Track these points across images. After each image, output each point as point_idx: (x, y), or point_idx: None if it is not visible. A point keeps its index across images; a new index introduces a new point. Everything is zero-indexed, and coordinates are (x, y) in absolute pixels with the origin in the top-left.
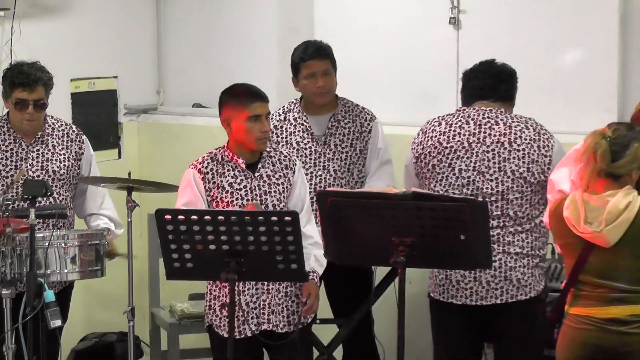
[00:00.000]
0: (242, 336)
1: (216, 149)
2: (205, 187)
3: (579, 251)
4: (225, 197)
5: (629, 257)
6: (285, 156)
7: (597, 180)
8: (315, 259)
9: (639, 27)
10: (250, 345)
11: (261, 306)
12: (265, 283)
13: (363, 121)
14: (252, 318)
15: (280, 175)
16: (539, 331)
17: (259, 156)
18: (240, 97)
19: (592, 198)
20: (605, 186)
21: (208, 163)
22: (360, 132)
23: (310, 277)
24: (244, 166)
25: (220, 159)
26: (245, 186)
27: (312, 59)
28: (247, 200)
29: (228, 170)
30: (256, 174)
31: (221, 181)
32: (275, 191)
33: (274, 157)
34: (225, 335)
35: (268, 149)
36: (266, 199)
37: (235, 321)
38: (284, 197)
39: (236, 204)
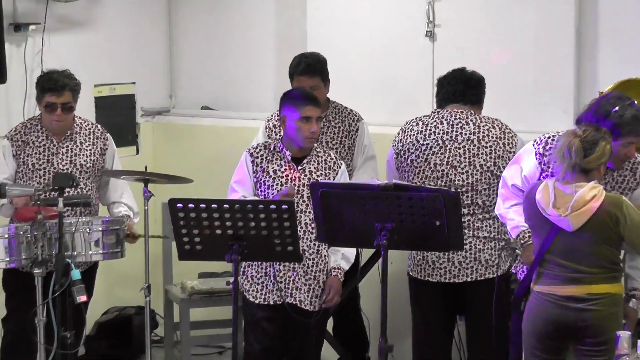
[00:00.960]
0: (266, 303)
1: (273, 141)
2: (253, 169)
3: (546, 233)
4: (268, 181)
5: (589, 243)
6: (332, 159)
7: (570, 174)
8: (343, 256)
9: (591, 40)
10: (275, 313)
11: (286, 281)
12: (293, 263)
13: (351, 121)
14: (277, 290)
15: (321, 174)
16: (504, 305)
17: (308, 153)
18: (296, 100)
19: (563, 187)
20: (575, 179)
21: (260, 149)
22: (349, 131)
23: (334, 274)
24: (289, 158)
25: (272, 149)
26: (287, 175)
27: (302, 75)
28: (286, 185)
29: (276, 159)
30: (299, 167)
31: (267, 167)
32: None
33: (321, 157)
34: (251, 299)
35: (318, 149)
36: (302, 190)
37: (264, 289)
38: None
39: (275, 189)
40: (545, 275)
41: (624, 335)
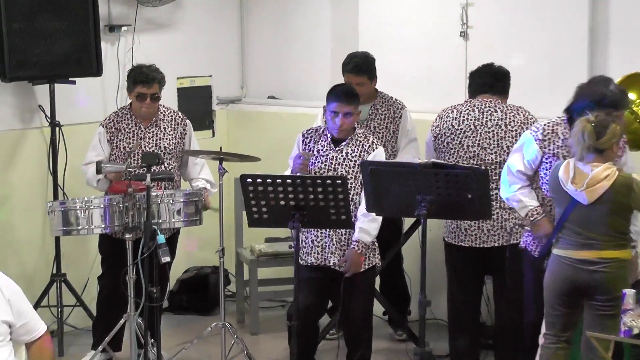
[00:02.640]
0: (306, 264)
1: (324, 125)
2: (302, 147)
3: (565, 204)
4: (312, 159)
5: (601, 214)
6: (370, 141)
7: (587, 155)
8: (363, 230)
9: (603, 38)
10: (315, 273)
11: (322, 246)
12: (328, 231)
13: (395, 109)
14: (315, 253)
15: (356, 155)
16: (518, 268)
17: (348, 136)
18: (330, 96)
19: (582, 165)
20: (593, 159)
21: (311, 132)
22: (393, 117)
23: (353, 246)
24: (330, 140)
25: (321, 132)
26: (327, 154)
27: (350, 73)
28: (325, 162)
29: (322, 140)
30: (337, 148)
31: (313, 147)
32: (346, 165)
33: (359, 141)
34: (301, 262)
35: (359, 133)
36: (338, 168)
37: (312, 250)
38: (353, 172)
39: (316, 165)
40: (562, 241)
41: (629, 292)
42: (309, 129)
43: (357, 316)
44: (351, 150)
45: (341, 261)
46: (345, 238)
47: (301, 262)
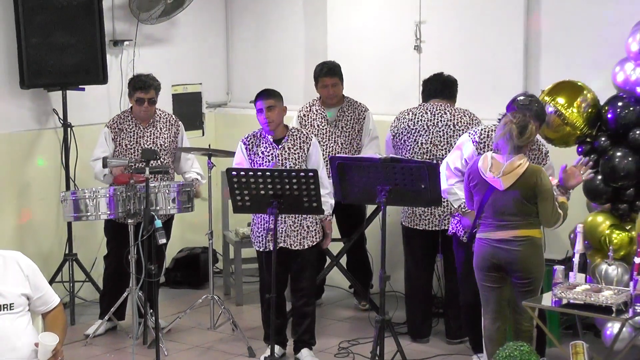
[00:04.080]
0: (268, 249)
1: (259, 130)
2: (249, 154)
3: (484, 191)
4: (258, 160)
5: (514, 199)
6: (304, 134)
7: (505, 148)
8: (330, 205)
9: (536, 51)
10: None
11: (279, 231)
12: (285, 216)
13: (360, 111)
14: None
15: (297, 148)
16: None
17: (285, 134)
18: (255, 100)
19: (498, 157)
20: (509, 152)
21: (250, 137)
22: (358, 118)
23: (327, 219)
24: (271, 140)
25: (259, 136)
26: (271, 153)
27: (325, 77)
28: (271, 161)
29: (264, 142)
30: (280, 146)
31: (257, 149)
32: (292, 158)
33: (295, 135)
34: (256, 248)
35: (292, 130)
36: (285, 163)
37: (264, 239)
38: (299, 162)
39: (265, 165)
40: (482, 225)
41: (559, 268)
42: (247, 136)
43: (305, 287)
44: (291, 144)
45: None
46: (299, 219)
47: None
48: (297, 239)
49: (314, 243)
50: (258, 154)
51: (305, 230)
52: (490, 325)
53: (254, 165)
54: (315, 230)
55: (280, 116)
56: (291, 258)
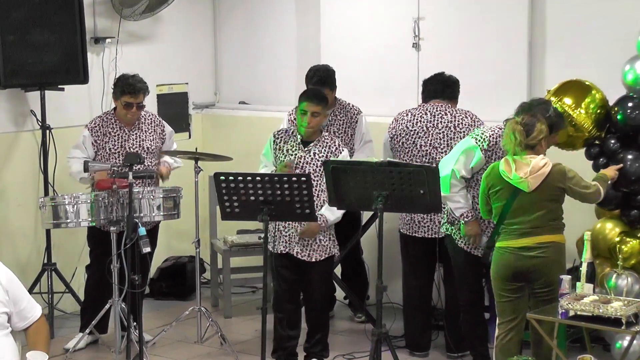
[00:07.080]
0: (276, 251)
1: (294, 127)
2: (273, 147)
3: (507, 196)
4: (282, 156)
5: (542, 200)
6: (336, 144)
7: (520, 151)
8: (328, 208)
9: (540, 49)
10: (283, 260)
11: (289, 236)
12: (294, 224)
13: (352, 114)
14: (283, 242)
15: (324, 156)
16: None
17: (316, 138)
18: (301, 96)
19: (518, 159)
20: (525, 154)
21: (282, 132)
22: (350, 122)
23: (320, 220)
24: (299, 140)
25: (290, 133)
26: (296, 154)
27: (314, 86)
28: (292, 160)
29: (292, 140)
30: (305, 149)
31: (283, 146)
32: (313, 164)
33: (326, 142)
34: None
35: (326, 136)
36: (305, 166)
37: (274, 241)
38: (320, 169)
39: (285, 160)
40: (503, 234)
41: (566, 278)
42: (279, 130)
43: (317, 300)
44: (318, 151)
45: (302, 228)
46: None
47: (271, 249)
48: (307, 251)
49: (328, 255)
50: (283, 151)
51: (317, 244)
52: (503, 336)
53: (275, 161)
54: (332, 240)
55: (320, 124)
56: (304, 269)
